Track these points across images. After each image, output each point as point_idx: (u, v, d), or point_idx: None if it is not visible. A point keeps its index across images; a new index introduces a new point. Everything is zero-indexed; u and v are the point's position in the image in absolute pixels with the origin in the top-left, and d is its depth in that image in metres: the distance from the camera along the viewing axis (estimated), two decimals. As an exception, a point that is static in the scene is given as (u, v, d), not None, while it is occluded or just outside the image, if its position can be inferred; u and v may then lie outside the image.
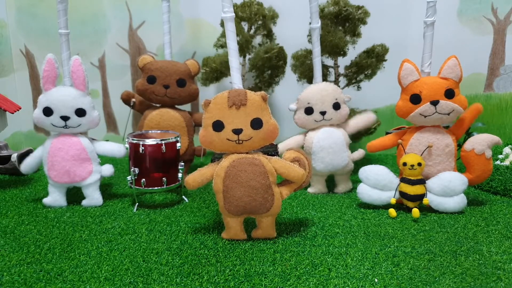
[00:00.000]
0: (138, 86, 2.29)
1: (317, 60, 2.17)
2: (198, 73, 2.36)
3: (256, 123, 1.52)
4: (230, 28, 1.60)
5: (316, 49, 2.16)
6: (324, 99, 2.09)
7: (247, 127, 1.52)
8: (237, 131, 1.51)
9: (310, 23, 2.19)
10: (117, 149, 2.04)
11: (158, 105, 2.35)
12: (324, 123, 2.13)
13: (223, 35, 2.63)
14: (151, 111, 2.31)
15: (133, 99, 2.39)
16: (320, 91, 2.10)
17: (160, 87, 2.25)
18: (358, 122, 2.26)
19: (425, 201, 1.89)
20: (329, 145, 2.10)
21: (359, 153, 2.21)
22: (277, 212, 1.59)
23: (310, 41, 2.55)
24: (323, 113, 2.10)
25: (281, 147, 2.14)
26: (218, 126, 1.52)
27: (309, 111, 2.11)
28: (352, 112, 2.55)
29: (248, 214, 1.59)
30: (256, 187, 1.53)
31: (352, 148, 2.22)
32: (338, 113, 2.13)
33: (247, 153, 1.57)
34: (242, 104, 1.50)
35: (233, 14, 1.59)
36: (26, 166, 2.01)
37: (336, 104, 2.11)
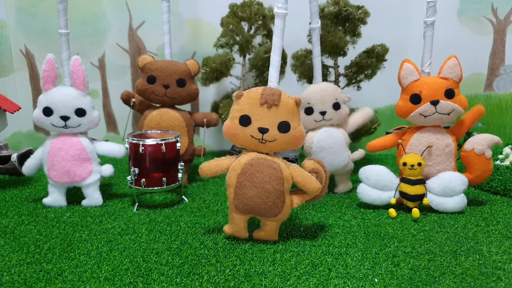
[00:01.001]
0: (138, 86, 2.28)
1: (317, 60, 2.17)
2: (198, 73, 2.36)
3: (284, 126, 1.49)
4: (279, 24, 1.56)
5: (316, 49, 2.16)
6: (324, 99, 2.09)
7: (274, 128, 1.49)
8: (263, 130, 1.49)
9: (310, 23, 2.19)
10: (117, 149, 2.04)
11: (158, 105, 2.35)
12: (324, 123, 2.13)
13: (223, 35, 2.63)
14: (151, 111, 2.31)
15: (133, 99, 2.39)
16: (320, 91, 2.10)
17: (160, 87, 2.25)
18: (357, 119, 2.26)
19: (425, 201, 1.89)
20: (329, 145, 2.10)
21: (359, 153, 2.21)
22: (284, 219, 1.57)
23: (310, 41, 2.55)
24: (323, 113, 2.10)
25: None
26: (245, 120, 1.50)
27: (309, 111, 2.11)
28: (352, 112, 2.55)
29: (255, 215, 1.57)
30: (269, 190, 1.50)
31: (352, 148, 2.22)
32: (338, 113, 2.13)
33: (267, 154, 1.55)
34: (274, 104, 1.48)
35: (287, 11, 1.55)
36: (28, 168, 2.01)
37: (336, 104, 2.11)
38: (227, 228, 1.63)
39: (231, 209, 1.59)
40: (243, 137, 1.52)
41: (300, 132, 1.53)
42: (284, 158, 1.58)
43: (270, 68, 1.57)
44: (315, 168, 1.58)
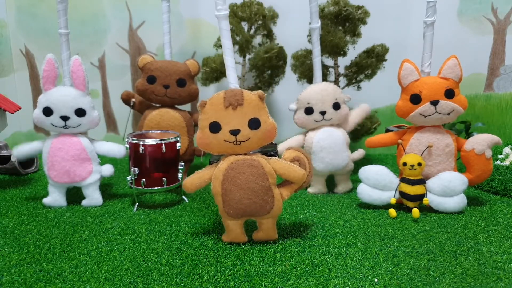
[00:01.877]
0: (138, 86, 2.29)
1: (317, 60, 2.17)
2: (198, 73, 2.36)
3: (254, 123, 1.50)
4: (225, 26, 1.57)
5: (316, 49, 2.16)
6: (324, 99, 2.09)
7: (245, 128, 1.49)
8: (235, 132, 1.49)
9: (310, 23, 2.19)
10: (117, 149, 2.03)
11: (158, 105, 2.35)
12: (324, 123, 2.13)
13: (223, 35, 2.63)
14: (151, 111, 2.31)
15: (133, 99, 2.39)
16: (320, 91, 2.10)
17: (160, 87, 2.25)
18: (355, 117, 2.26)
19: (425, 201, 1.89)
20: (329, 145, 2.10)
21: (359, 153, 2.21)
22: (278, 214, 1.57)
23: (310, 41, 2.55)
24: (323, 113, 2.10)
25: (281, 147, 2.14)
26: (214, 127, 1.49)
27: (309, 111, 2.11)
28: (351, 111, 2.55)
29: (249, 217, 1.56)
30: (255, 189, 1.50)
31: (352, 148, 2.22)
32: (338, 113, 2.12)
33: (245, 154, 1.55)
34: (238, 104, 1.48)
35: (227, 12, 1.56)
36: (19, 152, 1.99)
37: (336, 104, 2.11)
38: (225, 238, 1.61)
39: (224, 217, 1.57)
40: (217, 144, 1.51)
41: (272, 125, 1.53)
42: (264, 154, 1.59)
43: (227, 70, 1.58)
44: (295, 156, 1.59)
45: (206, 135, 1.51)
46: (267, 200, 1.52)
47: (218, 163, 1.55)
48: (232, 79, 1.58)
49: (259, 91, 1.52)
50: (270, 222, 1.58)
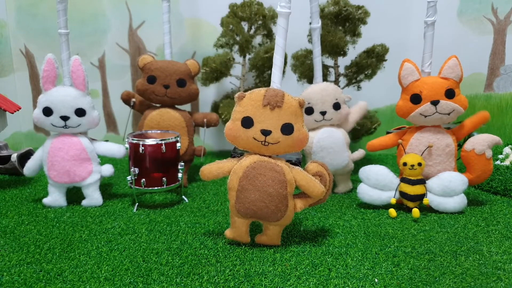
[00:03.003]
0: (138, 86, 2.28)
1: (318, 60, 2.17)
2: (198, 73, 2.36)
3: (287, 128, 1.46)
4: (283, 24, 1.52)
5: (317, 49, 2.16)
6: (324, 99, 2.09)
7: (277, 130, 1.45)
8: (266, 132, 1.45)
9: (310, 23, 2.19)
10: (117, 149, 2.03)
11: (158, 105, 2.35)
12: (324, 123, 2.13)
13: (223, 35, 2.63)
14: (151, 111, 2.31)
15: (133, 99, 2.39)
16: (321, 91, 2.10)
17: (160, 87, 2.25)
18: (353, 116, 2.25)
19: (425, 201, 1.89)
20: (329, 145, 2.10)
21: (359, 153, 2.21)
22: (287, 223, 1.54)
23: (310, 41, 2.55)
24: (323, 113, 2.10)
25: None
26: (247, 122, 1.46)
27: (309, 111, 2.11)
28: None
29: (257, 219, 1.53)
30: (272, 194, 1.47)
31: (352, 148, 2.22)
32: (338, 113, 2.12)
33: (270, 156, 1.51)
34: (277, 105, 1.44)
35: (290, 10, 1.51)
36: (29, 169, 2.00)
37: (336, 104, 2.11)
38: (228, 233, 1.59)
39: (232, 213, 1.55)
40: (245, 140, 1.48)
41: (304, 134, 1.50)
42: (287, 161, 1.55)
43: (273, 69, 1.53)
44: (319, 171, 1.55)
45: (236, 127, 1.48)
46: (280, 208, 1.49)
47: (241, 158, 1.53)
48: (276, 78, 1.53)
49: (301, 98, 1.48)
50: (277, 229, 1.55)
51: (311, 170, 1.55)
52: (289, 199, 1.50)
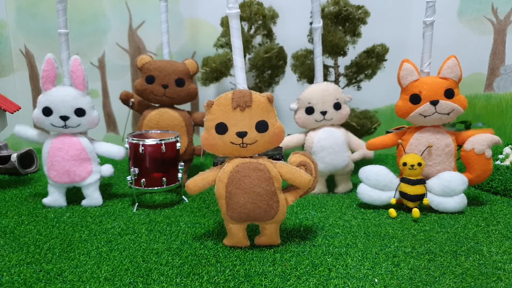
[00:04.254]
0: (136, 86, 2.28)
1: (319, 59, 2.17)
2: (197, 73, 2.36)
3: (262, 126, 1.46)
4: (235, 25, 1.52)
5: (318, 49, 2.15)
6: (325, 99, 2.09)
7: (252, 130, 1.45)
8: (242, 134, 1.45)
9: (310, 23, 2.19)
10: (116, 150, 2.03)
11: (157, 105, 2.35)
12: (324, 123, 2.13)
13: (223, 35, 2.63)
14: (150, 111, 2.31)
15: (132, 99, 2.39)
16: (322, 91, 2.10)
17: (159, 87, 2.25)
18: (357, 153, 2.22)
19: (425, 201, 1.89)
20: (330, 145, 2.10)
21: (360, 154, 2.21)
22: (282, 219, 1.54)
23: (310, 41, 2.55)
24: (323, 113, 2.10)
25: (282, 144, 2.13)
26: (221, 128, 1.46)
27: (310, 110, 2.11)
28: (352, 112, 2.55)
29: (252, 221, 1.53)
30: (260, 193, 1.46)
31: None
32: (339, 113, 2.12)
33: (251, 157, 1.51)
34: (246, 105, 1.44)
35: (238, 10, 1.52)
36: (19, 131, 2.00)
37: (337, 104, 2.11)
38: (226, 241, 1.58)
39: (226, 221, 1.54)
40: (223, 146, 1.48)
41: (280, 128, 1.50)
42: (270, 158, 1.55)
43: (235, 71, 1.53)
44: (302, 161, 1.55)
45: (212, 136, 1.48)
46: (272, 205, 1.49)
47: (223, 165, 1.52)
48: (240, 79, 1.53)
49: (268, 93, 1.49)
50: (274, 227, 1.55)
51: (294, 161, 1.56)
52: (279, 195, 1.50)
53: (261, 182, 1.47)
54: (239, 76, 1.54)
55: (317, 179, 1.60)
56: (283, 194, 1.53)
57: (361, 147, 2.21)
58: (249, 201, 1.47)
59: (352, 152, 2.21)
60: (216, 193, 1.51)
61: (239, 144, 1.47)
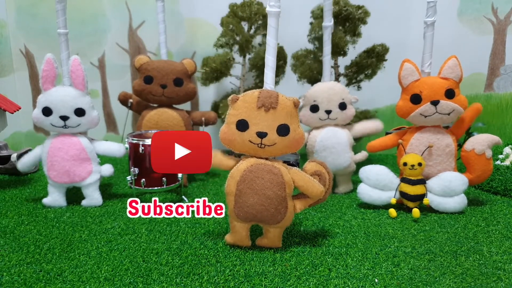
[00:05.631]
0: (135, 87, 2.28)
1: (327, 58, 2.15)
2: (195, 72, 2.36)
3: (283, 130, 1.43)
4: (273, 24, 1.48)
5: (327, 48, 2.14)
6: (330, 98, 2.09)
7: (273, 132, 1.43)
8: (262, 135, 1.42)
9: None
10: (117, 148, 2.03)
11: (155, 105, 2.35)
12: (329, 122, 2.13)
13: (223, 34, 2.63)
14: (149, 111, 2.31)
15: (130, 100, 2.39)
16: (328, 90, 2.09)
17: (157, 87, 2.25)
18: (365, 129, 2.21)
19: (426, 201, 1.89)
20: (332, 145, 2.10)
21: (362, 155, 2.20)
22: (287, 225, 1.52)
23: (310, 41, 2.56)
24: (328, 112, 2.09)
25: None
26: (242, 125, 1.43)
27: (314, 108, 2.10)
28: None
29: (257, 222, 1.52)
30: (270, 197, 1.44)
31: (353, 149, 2.21)
32: (344, 114, 2.12)
33: (267, 158, 1.49)
34: (272, 107, 1.41)
35: (279, 9, 1.47)
36: (23, 164, 2.00)
37: (342, 104, 2.10)
38: (228, 238, 1.57)
39: (231, 218, 1.53)
40: (241, 143, 1.46)
41: (300, 135, 1.48)
42: (284, 162, 1.53)
43: (265, 70, 1.51)
44: (317, 170, 1.52)
45: (231, 131, 1.46)
46: (280, 210, 1.47)
47: (238, 161, 1.51)
48: (269, 79, 1.50)
49: (295, 98, 1.46)
50: (277, 232, 1.53)
51: (309, 170, 1.53)
52: (288, 201, 1.48)
53: (273, 185, 1.45)
54: (268, 76, 1.50)
55: (330, 191, 1.56)
56: (293, 201, 1.51)
57: (368, 126, 2.19)
58: (258, 202, 1.45)
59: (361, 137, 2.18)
60: (226, 189, 1.49)
61: (258, 144, 1.44)
